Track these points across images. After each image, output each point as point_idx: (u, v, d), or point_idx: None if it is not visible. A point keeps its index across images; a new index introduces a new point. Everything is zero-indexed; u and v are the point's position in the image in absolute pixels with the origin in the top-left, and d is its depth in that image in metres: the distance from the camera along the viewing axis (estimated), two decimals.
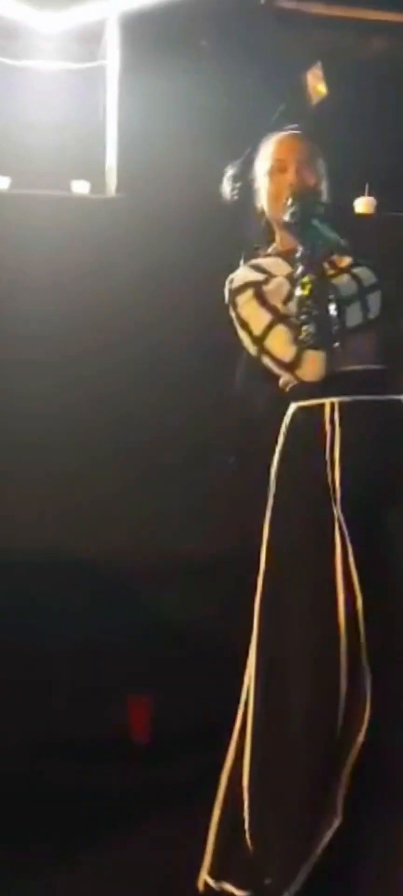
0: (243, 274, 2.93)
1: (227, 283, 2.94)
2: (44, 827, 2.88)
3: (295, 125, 3.05)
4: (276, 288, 2.84)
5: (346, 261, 2.86)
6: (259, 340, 2.84)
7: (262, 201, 2.99)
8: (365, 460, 2.76)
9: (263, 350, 2.84)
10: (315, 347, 2.69)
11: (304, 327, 2.66)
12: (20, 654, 3.37)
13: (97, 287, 4.06)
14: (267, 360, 2.86)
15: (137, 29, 4.34)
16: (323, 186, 2.96)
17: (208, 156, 4.31)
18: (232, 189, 4.19)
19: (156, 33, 4.33)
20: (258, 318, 2.85)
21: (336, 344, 2.67)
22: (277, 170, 2.93)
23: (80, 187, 4.28)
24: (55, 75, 4.52)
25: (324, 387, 2.79)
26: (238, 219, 3.14)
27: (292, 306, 2.71)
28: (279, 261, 2.90)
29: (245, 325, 2.87)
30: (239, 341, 2.93)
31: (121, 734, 3.25)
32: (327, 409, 2.78)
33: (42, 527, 3.91)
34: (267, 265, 2.92)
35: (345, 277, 2.81)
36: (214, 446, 4.11)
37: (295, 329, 2.70)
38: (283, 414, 2.94)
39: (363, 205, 4.41)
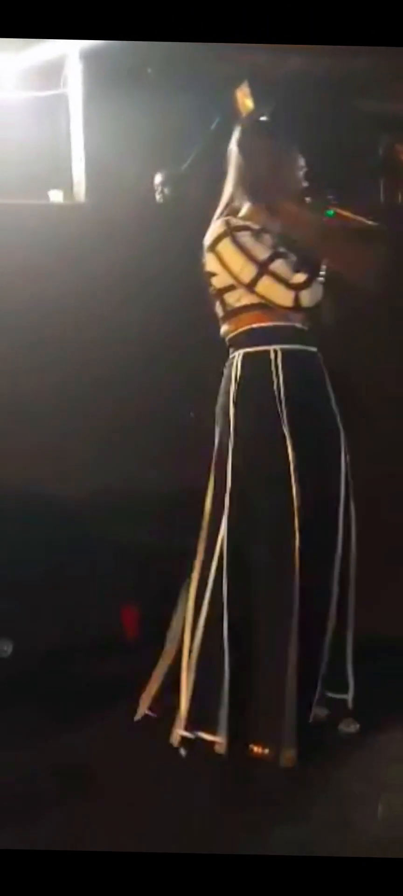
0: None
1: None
2: (64, 703, 3.61)
3: None
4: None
5: None
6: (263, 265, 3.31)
7: None
8: (300, 397, 3.37)
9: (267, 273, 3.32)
10: None
11: None
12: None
13: (71, 275, 4.74)
14: (267, 282, 3.33)
15: (95, 62, 4.94)
16: None
17: (156, 164, 5.08)
18: (158, 192, 4.91)
19: (111, 64, 4.88)
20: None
21: None
22: None
23: (56, 196, 4.97)
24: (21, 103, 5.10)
25: (268, 336, 3.37)
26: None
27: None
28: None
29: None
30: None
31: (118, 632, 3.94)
32: (271, 356, 3.36)
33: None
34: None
35: None
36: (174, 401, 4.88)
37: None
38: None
39: None
